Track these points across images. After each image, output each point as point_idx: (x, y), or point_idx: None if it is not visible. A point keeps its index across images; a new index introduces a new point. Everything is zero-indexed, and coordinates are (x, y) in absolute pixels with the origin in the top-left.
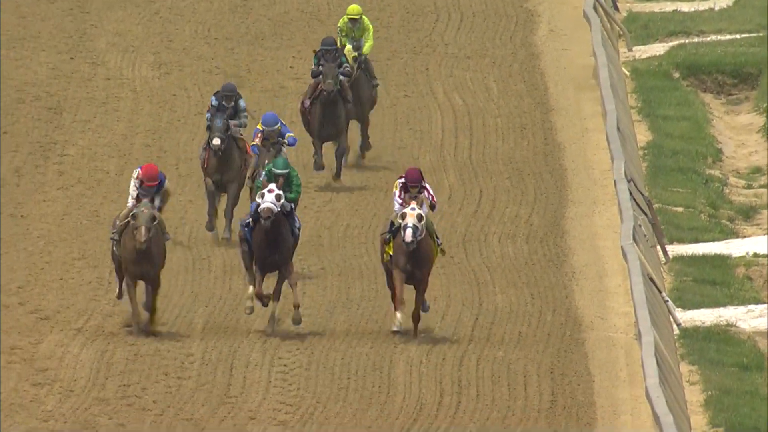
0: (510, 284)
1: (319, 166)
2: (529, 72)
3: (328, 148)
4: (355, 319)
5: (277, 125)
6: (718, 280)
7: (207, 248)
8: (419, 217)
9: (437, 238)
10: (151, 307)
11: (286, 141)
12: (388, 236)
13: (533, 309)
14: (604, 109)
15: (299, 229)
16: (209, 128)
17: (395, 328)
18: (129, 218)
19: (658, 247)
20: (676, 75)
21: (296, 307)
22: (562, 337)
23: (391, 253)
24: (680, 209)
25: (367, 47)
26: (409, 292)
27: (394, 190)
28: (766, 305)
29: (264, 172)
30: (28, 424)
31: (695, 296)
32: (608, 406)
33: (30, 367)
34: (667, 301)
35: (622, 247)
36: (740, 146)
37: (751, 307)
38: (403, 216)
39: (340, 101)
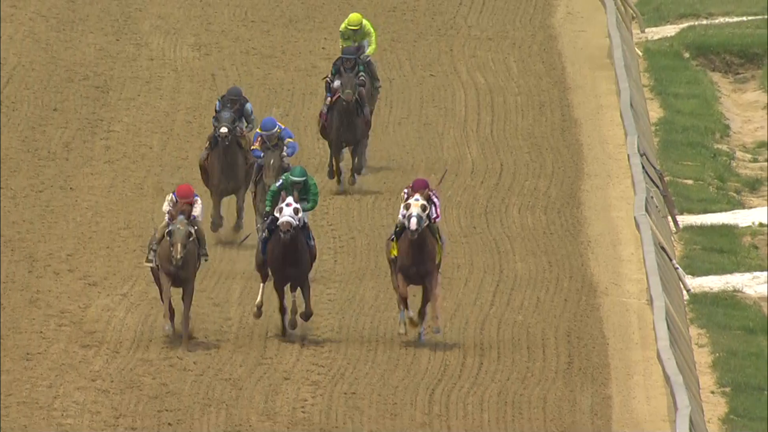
0: (529, 252)
1: (332, 174)
2: (547, 52)
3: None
4: (383, 286)
5: (276, 128)
6: (725, 249)
7: (247, 218)
8: (423, 208)
9: (440, 238)
10: (185, 320)
11: (285, 147)
12: (393, 236)
13: (551, 276)
14: (618, 88)
15: (314, 240)
16: (216, 119)
17: (401, 330)
18: (165, 236)
19: (669, 218)
20: (686, 55)
21: (307, 317)
22: (578, 303)
23: (395, 253)
24: (690, 182)
25: (371, 49)
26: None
27: (401, 196)
28: None
29: (281, 179)
30: (78, 383)
31: (704, 264)
32: (622, 367)
33: (79, 330)
34: (678, 268)
35: (635, 217)
36: (746, 122)
37: (757, 274)
38: (407, 206)
39: (357, 108)
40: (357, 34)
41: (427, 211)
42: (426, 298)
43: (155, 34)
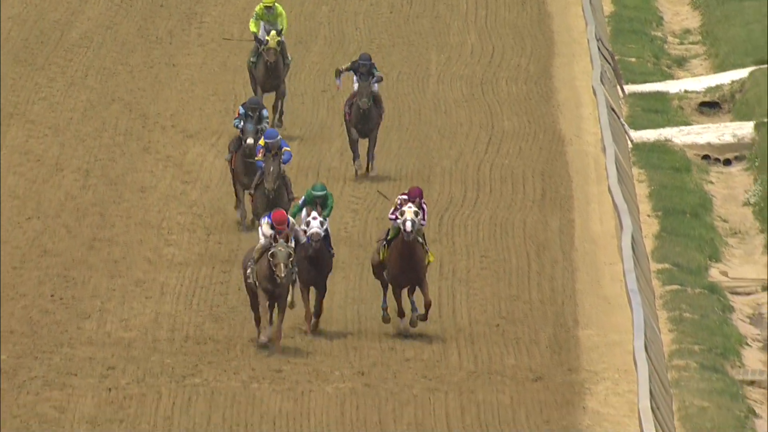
0: (513, 113)
1: (357, 156)
2: None
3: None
4: (406, 138)
5: (278, 138)
6: (659, 110)
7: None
8: (416, 213)
9: (425, 245)
10: (278, 330)
11: (282, 155)
12: (384, 243)
13: (530, 130)
14: None
15: (333, 250)
16: (242, 132)
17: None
18: (266, 257)
19: (618, 87)
20: None
21: (317, 316)
22: (549, 150)
23: (384, 257)
24: (633, 59)
25: (283, 29)
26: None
27: (396, 201)
28: (693, 126)
29: (304, 196)
30: (179, 210)
31: (643, 121)
32: (582, 198)
33: (179, 170)
34: (624, 124)
35: (592, 86)
36: (675, 15)
37: (682, 128)
38: (402, 213)
39: (373, 108)
40: (271, 13)
41: (419, 217)
42: (426, 299)
43: None
